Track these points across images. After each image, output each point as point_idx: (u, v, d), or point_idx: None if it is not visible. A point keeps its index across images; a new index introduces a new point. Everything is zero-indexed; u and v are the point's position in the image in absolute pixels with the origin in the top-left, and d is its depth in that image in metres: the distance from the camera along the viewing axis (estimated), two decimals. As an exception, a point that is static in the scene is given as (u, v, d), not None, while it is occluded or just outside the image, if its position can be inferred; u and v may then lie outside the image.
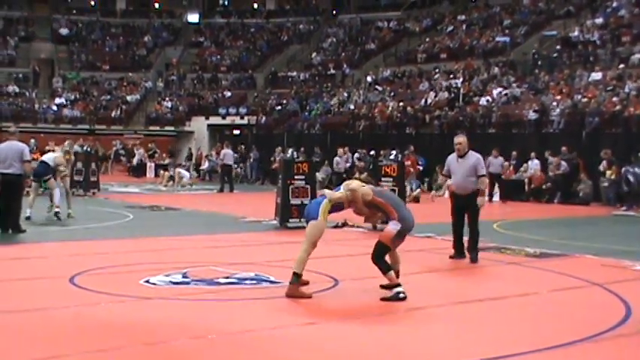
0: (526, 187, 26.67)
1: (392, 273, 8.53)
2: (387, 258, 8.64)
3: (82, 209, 19.23)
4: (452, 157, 12.09)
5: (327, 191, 9.01)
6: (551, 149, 26.40)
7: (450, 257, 11.94)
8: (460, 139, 11.96)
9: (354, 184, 8.75)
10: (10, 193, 14.16)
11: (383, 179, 15.96)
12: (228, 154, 29.44)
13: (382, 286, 8.73)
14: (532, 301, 8.81)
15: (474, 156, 11.85)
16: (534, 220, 20.00)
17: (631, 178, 22.55)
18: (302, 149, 32.96)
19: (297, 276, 8.53)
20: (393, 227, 8.46)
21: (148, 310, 7.93)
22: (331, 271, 9.92)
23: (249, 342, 6.72)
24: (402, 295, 8.41)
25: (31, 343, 6.52)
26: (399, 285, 8.49)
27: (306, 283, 8.82)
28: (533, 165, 26.60)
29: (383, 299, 8.42)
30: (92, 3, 59.86)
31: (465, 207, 11.86)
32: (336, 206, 8.76)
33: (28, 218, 16.25)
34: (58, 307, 7.89)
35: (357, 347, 6.59)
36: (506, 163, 27.60)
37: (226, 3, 61.34)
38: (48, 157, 17.84)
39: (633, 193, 22.68)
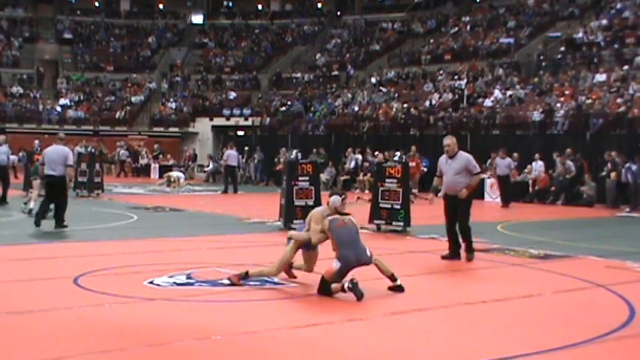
0: (530, 189, 26.64)
1: (334, 287, 8.67)
2: (379, 267, 9.08)
3: (86, 210, 19.27)
4: (442, 158, 12.23)
5: (293, 233, 9.57)
6: (556, 150, 26.37)
7: (442, 257, 11.93)
8: (448, 141, 12.06)
9: (317, 214, 9.24)
10: (55, 193, 15.37)
11: (387, 180, 15.93)
12: (231, 155, 29.40)
13: (390, 288, 8.98)
14: (536, 302, 8.81)
15: (463, 156, 11.98)
16: (538, 222, 19.98)
17: (629, 176, 22.60)
18: (317, 150, 33.12)
19: (246, 273, 9.28)
20: (334, 265, 8.69)
21: (152, 311, 7.93)
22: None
23: (253, 343, 6.72)
24: (347, 284, 8.55)
25: (35, 344, 6.53)
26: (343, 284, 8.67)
27: (294, 277, 9.58)
28: (537, 166, 26.56)
29: (358, 299, 8.47)
30: (96, 4, 59.99)
31: (455, 207, 11.92)
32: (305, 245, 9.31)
33: (31, 211, 17.35)
34: (62, 308, 7.90)
35: (361, 348, 6.59)
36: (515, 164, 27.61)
37: (230, 4, 61.40)
38: None
39: (631, 190, 22.76)
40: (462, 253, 12.01)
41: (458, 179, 11.81)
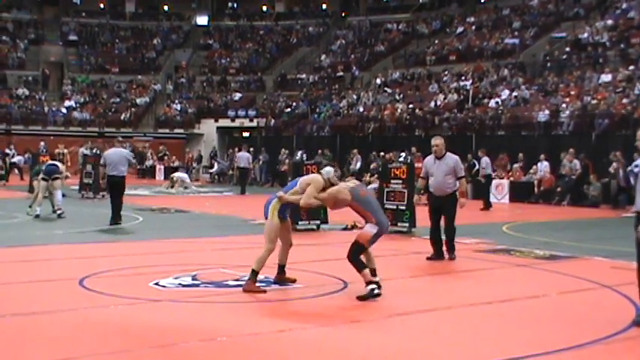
0: (535, 189, 26.58)
1: (367, 271, 8.68)
2: (362, 257, 8.84)
3: (91, 212, 19.29)
4: (430, 159, 12.25)
5: (279, 193, 9.25)
6: (561, 151, 26.31)
7: (428, 258, 11.95)
8: (437, 141, 12.10)
9: (318, 181, 9.00)
10: (116, 191, 16.63)
11: (392, 181, 15.92)
12: (242, 157, 29.71)
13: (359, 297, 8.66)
14: (542, 303, 8.80)
15: (452, 157, 12.05)
16: (544, 223, 19.93)
17: (631, 178, 22.44)
18: (322, 151, 33.14)
19: (254, 273, 8.89)
20: (371, 229, 8.72)
21: (158, 313, 7.94)
22: (340, 274, 9.90)
23: (258, 344, 6.72)
24: (375, 291, 8.52)
25: (41, 345, 6.54)
26: (372, 282, 8.59)
27: (294, 280, 9.32)
28: (543, 167, 26.50)
29: (359, 298, 8.49)
30: (101, 6, 60.05)
31: (441, 208, 11.98)
32: (287, 205, 9.13)
33: (37, 216, 17.52)
34: (68, 310, 7.91)
35: (366, 350, 6.59)
36: (516, 165, 27.53)
37: (235, 5, 61.42)
38: (55, 162, 19.40)
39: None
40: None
41: (447, 180, 11.88)
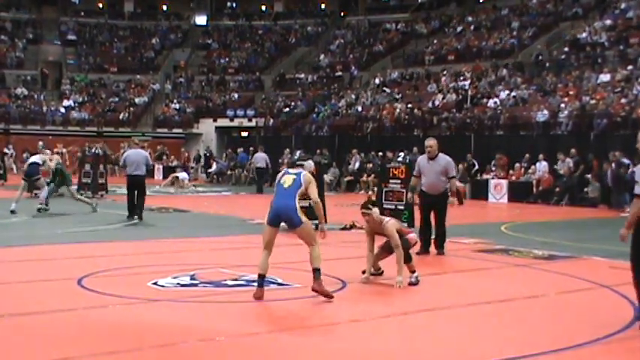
0: (534, 189, 26.59)
1: (413, 262, 9.78)
2: (379, 259, 9.96)
3: (89, 211, 19.26)
4: (423, 159, 12.79)
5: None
6: (559, 151, 26.32)
7: (417, 253, 12.09)
8: (431, 142, 12.68)
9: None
10: (138, 191, 17.68)
11: (391, 181, 15.92)
12: (258, 157, 30.26)
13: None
14: (540, 303, 8.80)
15: (444, 158, 12.64)
16: (542, 223, 19.94)
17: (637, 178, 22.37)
18: (320, 151, 33.14)
19: (319, 272, 8.58)
20: (414, 235, 10.37)
21: (156, 313, 7.93)
22: (339, 273, 9.90)
23: (257, 344, 6.72)
24: (419, 277, 9.73)
25: (40, 345, 6.54)
26: (415, 271, 9.73)
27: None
28: (541, 167, 26.50)
29: (410, 284, 9.52)
30: (100, 5, 59.99)
31: (433, 205, 12.57)
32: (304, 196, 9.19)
33: (12, 212, 17.88)
34: (66, 310, 7.90)
35: (366, 349, 6.59)
36: (518, 165, 27.52)
37: (234, 5, 61.36)
38: (36, 158, 19.41)
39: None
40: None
41: (440, 180, 12.47)
